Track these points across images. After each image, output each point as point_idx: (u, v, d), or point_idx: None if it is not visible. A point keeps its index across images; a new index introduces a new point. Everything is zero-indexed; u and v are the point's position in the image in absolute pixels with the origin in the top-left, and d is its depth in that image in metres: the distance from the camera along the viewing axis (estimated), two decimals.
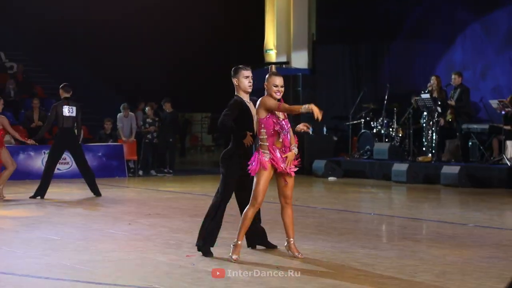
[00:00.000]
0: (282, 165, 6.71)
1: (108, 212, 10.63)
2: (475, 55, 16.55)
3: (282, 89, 6.77)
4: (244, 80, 7.00)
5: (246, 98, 7.05)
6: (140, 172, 17.67)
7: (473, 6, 16.49)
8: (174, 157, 18.83)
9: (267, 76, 6.82)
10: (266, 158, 6.67)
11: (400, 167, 15.30)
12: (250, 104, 7.03)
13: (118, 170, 17.20)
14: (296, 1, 19.40)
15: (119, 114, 17.93)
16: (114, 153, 17.33)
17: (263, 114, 6.65)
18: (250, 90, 7.05)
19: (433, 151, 15.37)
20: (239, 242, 6.78)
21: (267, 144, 6.70)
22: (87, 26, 24.05)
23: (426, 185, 14.71)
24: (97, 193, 12.59)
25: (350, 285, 5.80)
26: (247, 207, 6.85)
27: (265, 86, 6.76)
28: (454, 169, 14.33)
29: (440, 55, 17.22)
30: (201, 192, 13.61)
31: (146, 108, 18.14)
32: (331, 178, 16.48)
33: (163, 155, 18.02)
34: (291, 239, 6.93)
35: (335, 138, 18.29)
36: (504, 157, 14.15)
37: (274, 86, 6.72)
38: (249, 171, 6.75)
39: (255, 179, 6.74)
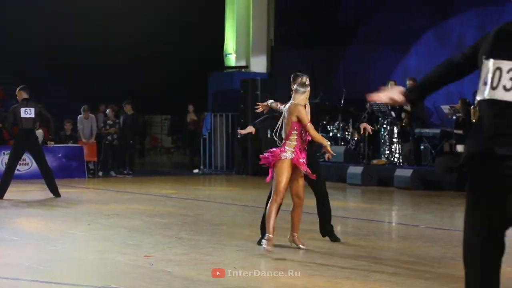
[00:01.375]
0: (304, 168, 7.19)
1: (68, 213, 10.60)
2: (429, 61, 16.91)
3: (309, 88, 7.37)
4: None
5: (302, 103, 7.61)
6: (100, 173, 17.63)
7: (428, 14, 16.87)
8: (133, 158, 18.82)
9: (292, 78, 7.51)
10: (287, 155, 7.17)
11: (355, 169, 15.53)
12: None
13: (78, 171, 17.11)
14: (255, 7, 19.50)
15: (79, 116, 17.85)
16: (74, 154, 17.25)
17: (296, 119, 7.16)
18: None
19: (388, 155, 15.66)
20: (271, 235, 7.16)
21: (295, 144, 7.19)
22: (47, 27, 23.90)
23: (380, 187, 14.89)
24: (56, 193, 12.56)
25: (306, 284, 5.89)
26: (269, 203, 7.30)
27: (292, 88, 7.32)
28: (407, 172, 14.61)
29: (396, 61, 17.57)
30: (160, 193, 13.63)
31: (107, 110, 18.12)
32: None
33: (122, 156, 18.01)
34: (295, 233, 7.46)
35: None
36: None
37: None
38: (263, 161, 7.38)
39: (275, 177, 7.25)
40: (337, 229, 9.53)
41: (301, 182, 7.34)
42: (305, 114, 7.14)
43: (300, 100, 7.21)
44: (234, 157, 18.71)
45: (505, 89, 3.16)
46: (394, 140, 15.62)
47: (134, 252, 7.25)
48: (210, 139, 19.27)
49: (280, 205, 7.33)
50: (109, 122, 17.85)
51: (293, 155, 7.15)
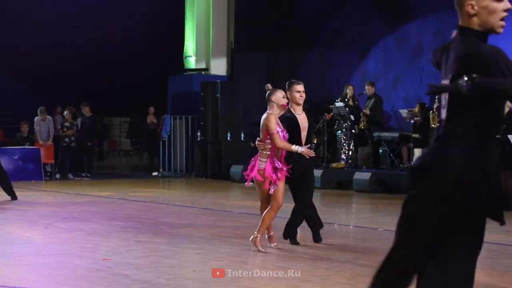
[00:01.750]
0: (273, 176, 7.32)
1: (25, 216, 10.48)
2: (387, 66, 17.10)
3: (304, 94, 7.71)
4: (296, 94, 7.72)
5: (297, 110, 7.75)
6: (57, 176, 17.48)
7: (387, 19, 17.04)
8: (92, 161, 18.71)
9: (287, 87, 7.72)
10: (261, 165, 7.32)
11: (315, 173, 15.35)
12: (300, 115, 7.74)
13: (35, 173, 16.92)
14: (215, 8, 19.45)
15: (36, 118, 17.66)
16: (31, 156, 17.06)
17: (266, 127, 7.31)
18: (300, 102, 7.76)
19: (346, 158, 15.78)
20: (271, 232, 7.57)
21: (268, 153, 7.36)
22: (3, 27, 23.55)
23: (339, 190, 14.96)
24: (13, 196, 12.42)
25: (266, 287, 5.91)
26: (268, 209, 7.43)
27: (288, 95, 7.59)
28: (366, 175, 14.72)
29: (355, 65, 17.71)
30: (119, 196, 13.55)
31: (65, 112, 17.94)
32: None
33: (81, 158, 17.88)
34: (259, 235, 7.45)
35: (252, 144, 18.43)
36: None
37: (297, 92, 7.69)
38: (246, 177, 7.49)
39: (259, 190, 7.48)
40: (297, 232, 9.65)
41: (280, 186, 7.43)
42: (273, 123, 7.25)
43: (274, 110, 7.38)
44: (193, 160, 18.62)
45: (442, 107, 3.28)
46: (353, 143, 15.73)
47: (92, 255, 7.20)
48: (170, 142, 19.18)
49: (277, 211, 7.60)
50: (67, 124, 17.70)
51: (264, 166, 7.32)
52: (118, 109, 27.95)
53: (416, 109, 14.78)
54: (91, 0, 24.52)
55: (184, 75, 19.72)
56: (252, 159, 7.54)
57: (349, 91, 15.87)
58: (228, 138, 18.02)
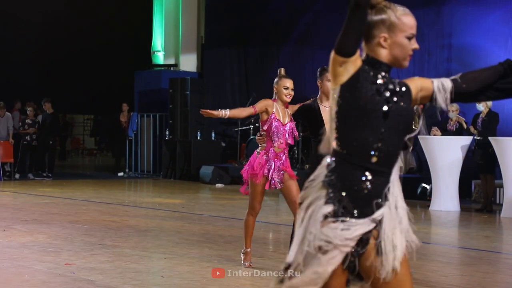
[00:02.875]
0: (265, 172, 6.55)
1: None
2: None
3: (292, 92, 6.69)
4: (329, 83, 6.38)
5: (327, 103, 6.28)
6: (17, 176, 17.19)
7: None
8: (53, 160, 18.44)
9: (276, 79, 6.75)
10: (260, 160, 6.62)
11: None
12: (327, 109, 6.25)
13: None
14: (185, 2, 19.28)
15: None
16: None
17: (263, 116, 6.63)
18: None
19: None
20: (248, 249, 6.73)
21: (265, 145, 6.66)
22: None
23: None
24: None
25: None
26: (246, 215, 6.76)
27: (274, 88, 6.70)
28: None
29: (328, 63, 17.37)
30: (82, 198, 13.35)
31: (28, 109, 17.57)
32: (218, 185, 16.33)
33: (42, 158, 17.62)
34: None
35: (223, 144, 18.19)
36: None
37: (285, 88, 6.68)
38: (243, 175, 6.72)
39: (250, 188, 6.67)
40: (270, 236, 9.50)
41: (293, 186, 6.66)
42: (261, 103, 6.58)
43: (277, 97, 6.68)
44: (161, 160, 18.38)
45: None
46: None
47: (54, 259, 7.04)
48: (137, 141, 18.92)
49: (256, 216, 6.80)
50: (28, 121, 17.43)
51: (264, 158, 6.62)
52: (81, 106, 27.72)
53: None
54: None
55: (152, 71, 19.59)
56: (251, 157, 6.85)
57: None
58: (198, 138, 17.79)
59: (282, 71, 6.84)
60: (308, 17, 17.75)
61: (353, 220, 2.82)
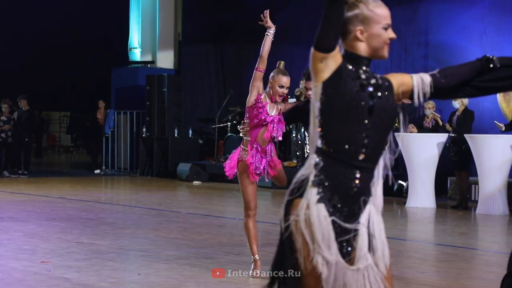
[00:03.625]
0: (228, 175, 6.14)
1: None
2: None
3: (287, 90, 6.17)
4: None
5: None
6: None
7: None
8: (29, 157, 18.28)
9: (273, 73, 6.17)
10: (243, 155, 6.10)
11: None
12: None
13: None
14: None
15: None
16: None
17: (248, 102, 6.05)
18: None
19: (299, 156, 15.53)
20: (256, 256, 6.17)
21: (249, 139, 6.12)
22: None
23: None
24: None
25: None
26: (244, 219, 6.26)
27: (269, 82, 6.15)
28: None
29: (306, 60, 17.38)
30: (58, 195, 13.23)
31: (3, 106, 17.46)
32: (196, 182, 16.28)
33: (17, 155, 17.45)
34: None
35: (200, 141, 18.15)
36: None
37: (280, 87, 6.11)
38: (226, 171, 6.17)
39: (240, 186, 6.17)
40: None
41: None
42: (253, 96, 6.01)
43: (271, 91, 6.12)
44: (138, 157, 18.30)
45: None
46: (306, 142, 15.47)
47: (30, 257, 6.98)
48: (113, 138, 18.83)
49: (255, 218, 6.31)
50: (3, 118, 17.25)
51: (247, 155, 6.07)
52: (57, 103, 27.43)
53: None
54: None
55: (129, 68, 19.45)
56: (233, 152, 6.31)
57: (301, 86, 15.52)
58: (175, 135, 17.70)
59: (282, 64, 6.33)
60: (286, 14, 17.74)
61: (342, 224, 2.83)
